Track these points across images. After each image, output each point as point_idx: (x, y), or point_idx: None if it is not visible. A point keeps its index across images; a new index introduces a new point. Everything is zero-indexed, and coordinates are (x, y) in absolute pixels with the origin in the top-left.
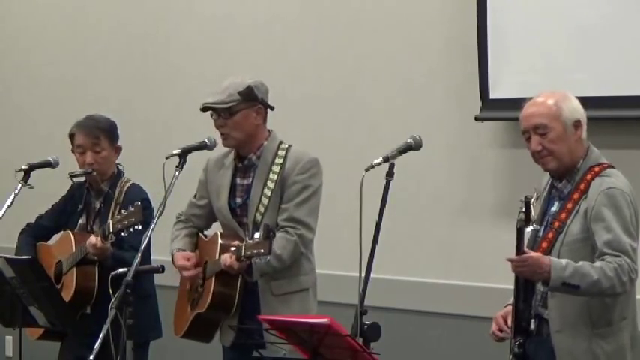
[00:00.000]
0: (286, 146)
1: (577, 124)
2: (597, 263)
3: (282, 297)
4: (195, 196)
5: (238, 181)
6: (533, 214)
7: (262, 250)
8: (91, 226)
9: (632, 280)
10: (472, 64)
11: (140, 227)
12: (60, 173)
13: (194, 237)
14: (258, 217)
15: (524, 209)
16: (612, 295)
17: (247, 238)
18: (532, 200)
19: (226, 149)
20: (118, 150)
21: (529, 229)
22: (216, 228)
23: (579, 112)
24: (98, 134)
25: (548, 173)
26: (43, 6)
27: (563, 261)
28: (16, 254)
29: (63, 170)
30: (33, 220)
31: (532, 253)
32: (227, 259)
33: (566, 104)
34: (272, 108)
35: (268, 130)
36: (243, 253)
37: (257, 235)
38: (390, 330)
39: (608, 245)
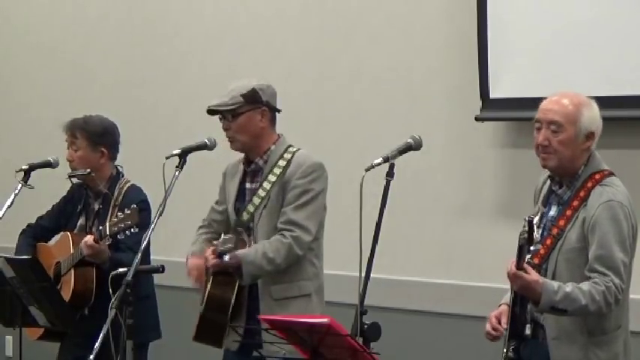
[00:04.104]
0: (293, 150)
1: (590, 135)
2: (586, 286)
3: (281, 301)
4: (216, 202)
5: (247, 185)
6: (536, 235)
7: (230, 245)
8: (90, 227)
9: (618, 300)
10: (472, 64)
11: (136, 230)
12: (60, 173)
13: (211, 243)
14: (246, 216)
15: (527, 228)
16: (595, 315)
17: (252, 242)
18: (535, 220)
19: (243, 154)
20: (105, 154)
21: (531, 249)
22: None
23: (595, 124)
24: (75, 132)
25: (545, 174)
26: (43, 6)
27: (555, 285)
28: (15, 254)
29: (63, 170)
30: (33, 220)
31: (527, 277)
32: (206, 255)
33: (588, 112)
34: (279, 111)
35: (278, 135)
36: (218, 250)
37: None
38: (390, 330)
39: (599, 260)
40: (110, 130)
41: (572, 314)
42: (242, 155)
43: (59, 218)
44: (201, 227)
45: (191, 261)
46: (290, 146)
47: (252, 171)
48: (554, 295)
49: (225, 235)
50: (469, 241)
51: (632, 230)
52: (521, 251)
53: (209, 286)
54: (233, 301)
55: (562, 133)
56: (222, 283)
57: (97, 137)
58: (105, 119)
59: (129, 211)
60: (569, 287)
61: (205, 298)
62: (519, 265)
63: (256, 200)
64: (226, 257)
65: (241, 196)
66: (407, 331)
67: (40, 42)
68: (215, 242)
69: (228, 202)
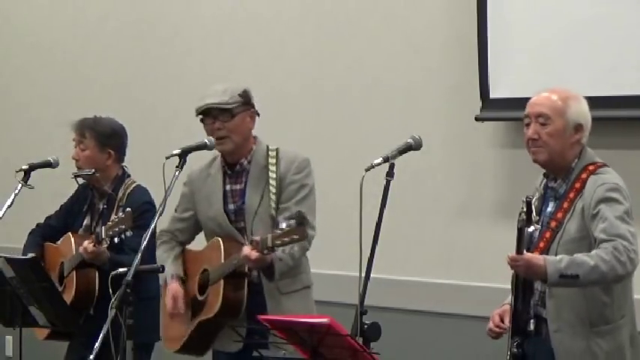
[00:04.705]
0: (275, 148)
1: (578, 127)
2: (592, 252)
3: (288, 295)
4: (176, 210)
5: (229, 187)
6: (535, 215)
7: (295, 237)
8: (94, 227)
9: (632, 260)
10: (472, 64)
11: (130, 233)
12: (60, 173)
13: (181, 257)
14: (273, 213)
15: (525, 209)
16: (615, 279)
17: (247, 242)
18: (533, 200)
19: (207, 160)
20: (112, 155)
21: (530, 229)
22: (198, 240)
23: (584, 117)
24: (84, 131)
25: (542, 174)
26: (43, 7)
27: (557, 256)
28: (23, 254)
29: (63, 170)
30: (33, 220)
31: (527, 255)
32: (247, 252)
33: (575, 105)
34: (258, 114)
35: (253, 136)
36: (270, 244)
37: (284, 225)
38: (390, 330)
39: (603, 232)
40: (119, 133)
41: (586, 280)
42: (205, 161)
43: (67, 218)
44: (163, 243)
45: (175, 290)
46: (268, 145)
47: (235, 172)
48: (559, 263)
49: (278, 228)
50: (469, 241)
51: (630, 210)
52: (521, 234)
53: (222, 288)
54: (245, 301)
55: (550, 125)
56: (233, 285)
57: (105, 138)
58: (114, 121)
59: (123, 215)
60: (573, 255)
61: (220, 301)
62: (520, 252)
63: (274, 197)
64: (278, 252)
65: (224, 197)
66: (407, 331)
67: (40, 42)
68: (258, 237)
69: (207, 206)
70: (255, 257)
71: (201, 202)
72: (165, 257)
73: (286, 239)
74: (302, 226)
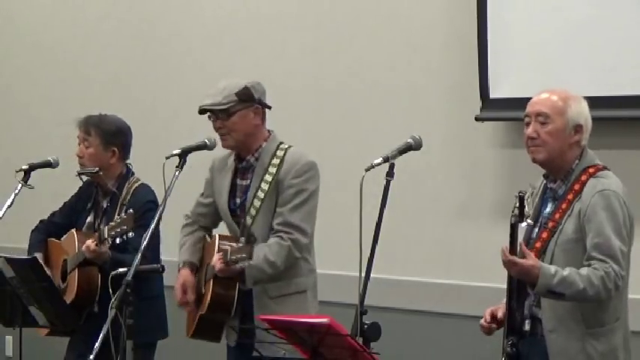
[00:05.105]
0: (285, 147)
1: (578, 128)
2: (584, 271)
3: (278, 299)
4: (202, 194)
5: (239, 181)
6: (527, 210)
7: (244, 255)
8: (98, 224)
9: (618, 286)
10: (472, 64)
11: (132, 234)
12: (60, 173)
13: (200, 242)
14: (249, 220)
15: (517, 204)
16: (595, 301)
17: (241, 239)
18: (526, 196)
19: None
20: (116, 154)
21: (523, 225)
22: (223, 225)
23: (584, 118)
24: (89, 129)
25: (542, 175)
26: (44, 7)
27: (552, 268)
28: (27, 250)
29: (63, 170)
30: (34, 220)
31: (523, 262)
32: (214, 261)
33: (575, 106)
34: (269, 108)
35: (268, 131)
36: (228, 257)
37: (242, 239)
38: (390, 330)
39: (597, 249)
40: (123, 131)
41: (570, 298)
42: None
43: (71, 215)
44: (185, 226)
45: (184, 278)
46: (281, 143)
47: (242, 168)
48: (552, 278)
49: (239, 242)
50: (469, 241)
51: (627, 219)
52: (514, 231)
53: (211, 287)
54: (236, 299)
55: (550, 124)
56: (223, 283)
57: (109, 136)
58: (119, 120)
59: (125, 216)
60: (566, 271)
61: (209, 299)
62: (514, 248)
63: (257, 203)
64: (239, 265)
65: (233, 191)
66: (407, 331)
67: (41, 42)
68: (225, 247)
69: (218, 196)
70: (218, 268)
71: (216, 191)
72: (183, 242)
73: (239, 256)
74: (249, 245)
